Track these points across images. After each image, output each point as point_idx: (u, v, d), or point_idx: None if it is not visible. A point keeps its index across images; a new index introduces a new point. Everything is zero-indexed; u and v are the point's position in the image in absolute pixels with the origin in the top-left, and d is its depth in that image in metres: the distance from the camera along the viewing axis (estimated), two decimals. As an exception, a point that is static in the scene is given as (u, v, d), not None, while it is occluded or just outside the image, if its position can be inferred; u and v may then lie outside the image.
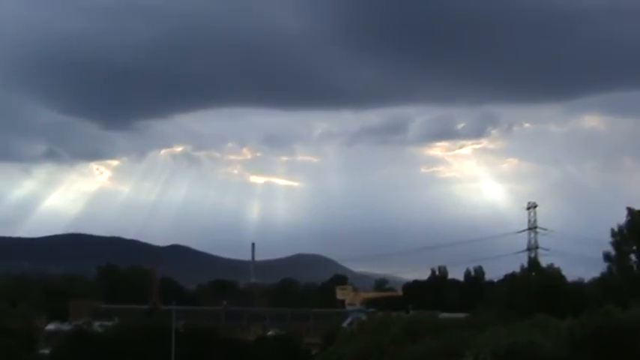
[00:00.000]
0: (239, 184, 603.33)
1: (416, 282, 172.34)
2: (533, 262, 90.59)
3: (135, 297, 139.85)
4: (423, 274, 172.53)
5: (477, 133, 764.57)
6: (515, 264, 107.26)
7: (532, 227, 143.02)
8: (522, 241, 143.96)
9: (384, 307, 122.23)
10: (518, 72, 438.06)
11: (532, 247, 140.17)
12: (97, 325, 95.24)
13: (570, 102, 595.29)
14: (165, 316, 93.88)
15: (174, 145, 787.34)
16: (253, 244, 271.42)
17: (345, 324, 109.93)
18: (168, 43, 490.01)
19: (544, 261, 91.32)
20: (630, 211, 64.67)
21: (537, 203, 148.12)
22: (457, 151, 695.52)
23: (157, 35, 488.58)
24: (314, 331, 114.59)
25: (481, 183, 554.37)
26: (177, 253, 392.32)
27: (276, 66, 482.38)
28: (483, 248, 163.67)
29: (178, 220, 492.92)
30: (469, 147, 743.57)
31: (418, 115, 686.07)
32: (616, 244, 64.42)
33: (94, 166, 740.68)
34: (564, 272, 67.99)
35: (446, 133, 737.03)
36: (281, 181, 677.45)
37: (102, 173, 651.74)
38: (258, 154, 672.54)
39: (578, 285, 71.00)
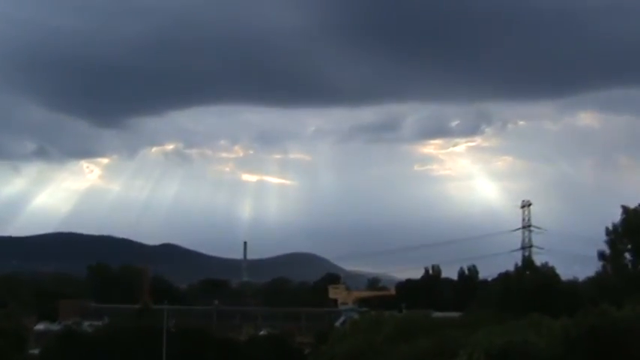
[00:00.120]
0: (231, 183, 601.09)
1: (409, 281, 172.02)
2: (528, 261, 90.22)
3: (125, 296, 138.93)
4: (417, 273, 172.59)
5: (471, 130, 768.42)
6: (510, 263, 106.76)
7: (526, 226, 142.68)
8: (516, 240, 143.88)
9: (377, 306, 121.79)
10: (513, 69, 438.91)
11: (526, 246, 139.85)
12: (86, 325, 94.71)
13: (565, 99, 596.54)
14: (156, 315, 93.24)
15: (165, 143, 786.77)
16: (245, 243, 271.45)
17: (337, 323, 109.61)
18: (160, 40, 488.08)
19: (538, 260, 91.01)
20: (625, 209, 64.36)
21: (531, 201, 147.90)
22: (451, 149, 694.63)
23: (148, 32, 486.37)
24: (306, 331, 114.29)
25: (475, 181, 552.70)
26: (169, 252, 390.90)
27: (268, 63, 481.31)
28: (477, 247, 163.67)
29: (170, 219, 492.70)
30: (463, 145, 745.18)
31: (412, 113, 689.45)
32: (611, 243, 64.13)
33: (85, 164, 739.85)
34: (558, 271, 67.70)
35: (440, 131, 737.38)
36: (273, 180, 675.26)
37: (92, 171, 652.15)
38: (251, 152, 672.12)
39: (573, 284, 70.78)
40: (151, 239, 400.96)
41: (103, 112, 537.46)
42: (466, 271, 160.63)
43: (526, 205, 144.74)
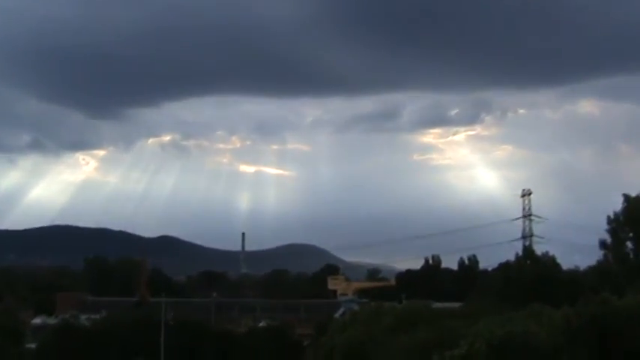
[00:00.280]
0: (229, 174, 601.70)
1: (409, 271, 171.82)
2: (528, 250, 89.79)
3: (123, 289, 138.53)
4: (417, 264, 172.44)
5: (470, 119, 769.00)
6: (510, 252, 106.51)
7: (527, 215, 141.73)
8: (517, 229, 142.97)
9: (377, 297, 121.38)
10: (513, 57, 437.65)
11: (527, 235, 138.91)
12: (84, 319, 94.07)
13: (565, 87, 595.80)
14: (154, 308, 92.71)
15: (162, 134, 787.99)
16: (243, 234, 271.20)
17: (337, 314, 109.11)
18: (156, 30, 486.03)
19: (539, 249, 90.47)
20: (626, 197, 63.91)
21: (532, 190, 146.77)
22: (450, 138, 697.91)
23: (144, 22, 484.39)
24: (306, 322, 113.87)
25: (475, 170, 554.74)
26: (166, 244, 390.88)
27: (266, 53, 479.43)
28: (477, 236, 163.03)
29: (167, 211, 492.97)
30: (463, 134, 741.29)
31: (411, 102, 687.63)
32: (612, 232, 63.71)
33: (81, 156, 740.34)
34: (559, 260, 67.40)
35: (439, 120, 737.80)
36: (271, 170, 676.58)
37: (88, 163, 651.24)
38: (248, 143, 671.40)
39: (574, 273, 70.38)
40: (149, 231, 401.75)
41: (98, 104, 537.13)
42: (466, 261, 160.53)
43: (526, 194, 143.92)
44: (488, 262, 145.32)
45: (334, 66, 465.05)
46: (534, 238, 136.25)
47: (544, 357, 34.45)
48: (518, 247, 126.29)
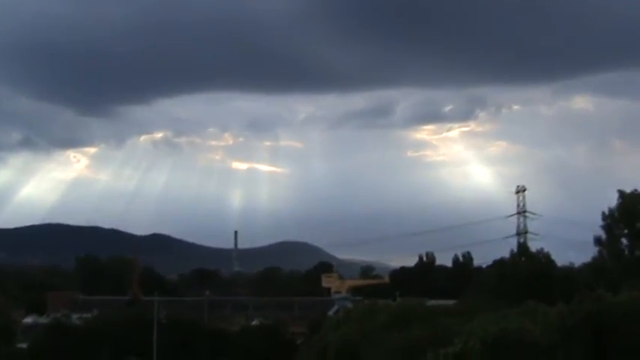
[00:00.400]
0: (221, 171, 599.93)
1: (403, 268, 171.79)
2: (523, 247, 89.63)
3: (115, 288, 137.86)
4: (411, 261, 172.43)
5: (464, 115, 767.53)
6: (505, 249, 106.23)
7: (521, 211, 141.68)
8: (511, 226, 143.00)
9: (371, 294, 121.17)
10: (507, 53, 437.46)
11: (521, 232, 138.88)
12: (75, 318, 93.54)
13: (560, 83, 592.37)
14: (146, 307, 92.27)
15: (154, 131, 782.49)
16: (236, 232, 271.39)
17: (330, 312, 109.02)
18: (147, 26, 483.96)
19: (533, 246, 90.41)
20: (621, 193, 63.60)
21: (526, 187, 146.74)
22: (444, 135, 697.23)
23: (135, 17, 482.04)
24: (299, 320, 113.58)
25: (469, 167, 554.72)
26: (158, 242, 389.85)
27: (258, 49, 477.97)
28: (472, 233, 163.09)
29: (159, 209, 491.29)
30: (457, 130, 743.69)
31: (404, 98, 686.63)
32: (607, 228, 63.38)
33: (71, 153, 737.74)
34: (554, 257, 67.14)
35: (433, 116, 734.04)
36: (264, 167, 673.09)
37: (79, 161, 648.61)
38: (241, 140, 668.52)
39: (569, 270, 70.18)
40: (141, 229, 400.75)
41: (89, 101, 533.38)
42: (460, 258, 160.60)
43: (521, 190, 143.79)
44: (482, 259, 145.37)
45: (327, 62, 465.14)
46: (529, 235, 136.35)
47: (539, 354, 34.19)
48: (513, 244, 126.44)
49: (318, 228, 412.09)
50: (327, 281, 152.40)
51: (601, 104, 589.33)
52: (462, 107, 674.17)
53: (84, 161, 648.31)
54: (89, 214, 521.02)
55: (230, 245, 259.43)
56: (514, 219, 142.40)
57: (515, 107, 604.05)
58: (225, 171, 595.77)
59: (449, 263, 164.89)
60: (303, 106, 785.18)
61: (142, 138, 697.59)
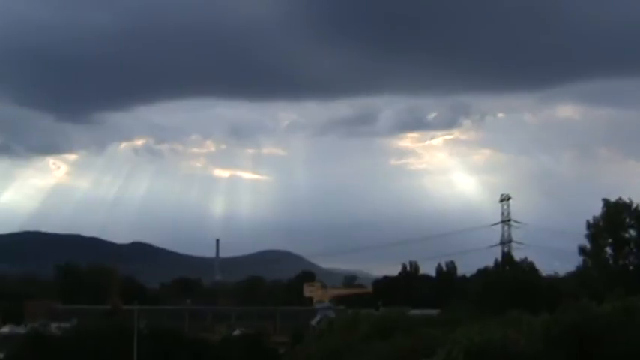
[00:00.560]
0: (203, 178, 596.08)
1: (386, 278, 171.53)
2: (507, 256, 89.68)
3: (95, 297, 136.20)
4: (394, 270, 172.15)
5: (448, 123, 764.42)
6: (489, 258, 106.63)
7: (505, 220, 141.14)
8: (495, 235, 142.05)
9: (354, 303, 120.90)
10: (491, 60, 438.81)
11: (505, 241, 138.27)
12: (54, 327, 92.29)
13: (545, 91, 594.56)
14: (126, 316, 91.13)
15: (135, 138, 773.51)
16: (218, 241, 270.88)
17: (313, 322, 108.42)
18: (129, 32, 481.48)
19: (518, 255, 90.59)
20: (606, 202, 63.72)
21: (511, 195, 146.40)
22: (428, 143, 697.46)
23: (116, 24, 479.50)
24: (281, 330, 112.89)
25: (453, 175, 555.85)
26: (139, 250, 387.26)
27: (241, 56, 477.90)
28: (455, 242, 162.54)
29: (140, 217, 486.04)
30: (440, 138, 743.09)
31: (388, 106, 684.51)
32: (591, 237, 63.41)
33: (51, 160, 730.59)
34: (538, 266, 67.26)
35: (416, 124, 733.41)
36: (246, 175, 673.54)
37: (59, 168, 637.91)
38: (223, 147, 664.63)
39: (553, 279, 70.19)
40: (121, 238, 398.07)
41: (69, 107, 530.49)
42: (444, 267, 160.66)
43: (505, 199, 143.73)
44: (466, 268, 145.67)
45: (310, 69, 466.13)
46: (513, 244, 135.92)
47: (523, 364, 33.92)
48: (497, 253, 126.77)
49: (300, 237, 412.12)
50: (309, 290, 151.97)
51: (586, 112, 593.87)
52: (445, 115, 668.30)
53: (64, 168, 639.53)
54: (69, 221, 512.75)
55: (212, 254, 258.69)
56: (498, 228, 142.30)
57: (500, 115, 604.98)
58: (207, 179, 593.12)
59: (432, 272, 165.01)
60: (286, 113, 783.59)
61: (123, 145, 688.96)
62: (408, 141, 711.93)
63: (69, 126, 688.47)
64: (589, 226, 63.43)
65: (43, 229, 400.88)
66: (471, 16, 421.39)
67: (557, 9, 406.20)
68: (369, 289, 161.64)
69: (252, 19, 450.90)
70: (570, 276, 69.85)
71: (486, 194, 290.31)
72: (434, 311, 71.34)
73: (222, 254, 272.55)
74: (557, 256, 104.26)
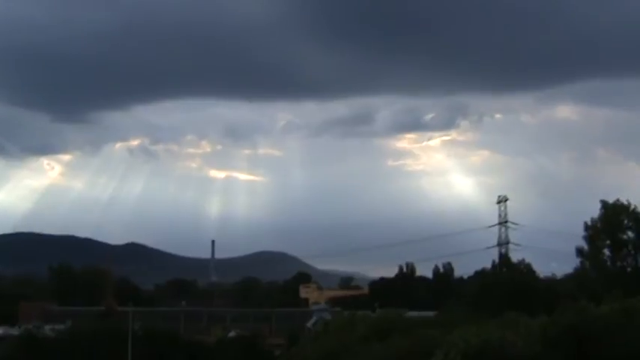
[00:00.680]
0: (198, 179, 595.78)
1: (383, 279, 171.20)
2: (504, 258, 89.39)
3: (89, 299, 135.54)
4: (390, 271, 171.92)
5: (446, 124, 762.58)
6: (486, 260, 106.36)
7: (503, 222, 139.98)
8: (493, 236, 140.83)
9: (350, 305, 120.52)
10: (489, 61, 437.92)
11: (503, 243, 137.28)
12: (48, 329, 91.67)
13: (543, 92, 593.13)
14: (121, 318, 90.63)
15: (130, 139, 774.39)
16: (213, 242, 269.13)
17: (309, 324, 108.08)
18: (124, 32, 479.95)
19: (515, 256, 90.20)
20: (604, 204, 63.55)
21: (508, 197, 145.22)
22: (425, 143, 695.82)
23: (113, 23, 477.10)
24: (277, 332, 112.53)
25: (450, 176, 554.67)
26: (134, 251, 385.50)
27: (237, 56, 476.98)
28: (452, 244, 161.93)
29: (135, 218, 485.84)
30: (438, 139, 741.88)
31: (385, 106, 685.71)
32: (589, 239, 63.21)
33: (45, 160, 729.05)
34: (536, 268, 67.16)
35: (414, 125, 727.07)
36: (242, 176, 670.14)
37: (53, 168, 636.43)
38: (219, 147, 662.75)
39: (551, 281, 70.06)
40: (116, 239, 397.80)
41: (64, 107, 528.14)
42: (441, 269, 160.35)
43: (502, 200, 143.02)
44: (463, 269, 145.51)
45: (307, 69, 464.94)
46: (510, 246, 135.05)
47: (520, 366, 33.69)
48: (495, 255, 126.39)
49: (296, 238, 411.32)
50: (305, 292, 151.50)
51: (584, 113, 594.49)
52: (443, 116, 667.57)
53: (58, 168, 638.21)
54: (63, 222, 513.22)
55: (207, 255, 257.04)
56: (495, 229, 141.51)
57: (498, 116, 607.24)
58: (203, 179, 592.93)
59: (429, 274, 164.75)
60: (282, 113, 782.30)
61: (118, 145, 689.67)
62: (405, 142, 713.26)
63: (63, 126, 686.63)
64: (587, 227, 63.30)
65: (37, 230, 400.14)
66: (469, 16, 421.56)
67: (556, 9, 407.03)
68: (366, 290, 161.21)
69: (249, 19, 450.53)
70: (568, 278, 69.73)
71: (484, 195, 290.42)
72: (431, 313, 71.10)
73: (218, 255, 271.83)
74: (554, 257, 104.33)
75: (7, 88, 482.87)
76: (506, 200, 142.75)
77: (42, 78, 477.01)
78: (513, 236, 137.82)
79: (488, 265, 73.31)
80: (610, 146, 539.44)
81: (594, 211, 63.19)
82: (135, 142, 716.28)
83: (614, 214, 61.94)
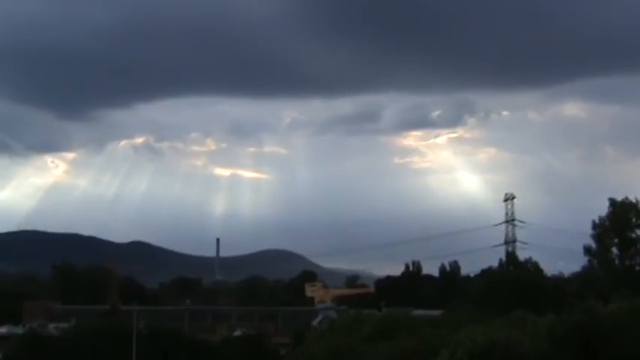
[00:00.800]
0: (203, 177, 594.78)
1: (389, 278, 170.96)
2: (511, 256, 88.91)
3: (93, 297, 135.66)
4: (397, 270, 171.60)
5: (452, 121, 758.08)
6: (493, 258, 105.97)
7: (509, 220, 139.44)
8: (499, 235, 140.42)
9: (356, 304, 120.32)
10: (496, 58, 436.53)
11: (509, 241, 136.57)
12: (52, 328, 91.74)
13: (550, 89, 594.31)
14: (125, 316, 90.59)
15: (134, 136, 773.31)
16: (218, 240, 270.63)
17: (314, 322, 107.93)
18: (129, 29, 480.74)
19: (522, 255, 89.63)
20: (612, 202, 63.04)
21: (515, 195, 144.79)
22: (432, 141, 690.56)
23: (116, 21, 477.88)
24: (282, 331, 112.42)
25: (457, 174, 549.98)
26: (139, 250, 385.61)
27: (242, 53, 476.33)
28: (459, 242, 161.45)
29: (139, 216, 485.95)
30: (444, 136, 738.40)
31: (391, 103, 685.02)
32: (597, 237, 62.72)
33: (49, 158, 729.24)
34: (543, 266, 66.74)
35: (420, 122, 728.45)
36: (247, 173, 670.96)
37: (57, 166, 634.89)
38: (224, 145, 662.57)
39: (558, 279, 69.64)
40: (120, 237, 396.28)
41: (68, 104, 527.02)
42: (447, 267, 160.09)
43: (509, 198, 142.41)
44: (470, 268, 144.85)
45: (313, 66, 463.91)
46: (517, 244, 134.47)
47: (528, 365, 33.37)
48: (501, 253, 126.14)
49: (302, 236, 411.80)
50: (311, 290, 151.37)
51: (592, 110, 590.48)
52: (450, 113, 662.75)
53: (62, 166, 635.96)
54: (67, 220, 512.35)
55: (212, 253, 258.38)
56: (502, 227, 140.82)
57: (505, 113, 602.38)
58: (208, 177, 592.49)
59: (436, 272, 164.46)
60: (287, 111, 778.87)
61: (123, 143, 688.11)
62: (411, 139, 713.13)
63: (68, 124, 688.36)
64: (595, 225, 62.84)
65: (41, 228, 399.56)
66: (476, 13, 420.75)
67: (563, 5, 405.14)
68: (372, 289, 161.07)
69: (254, 15, 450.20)
70: (575, 276, 69.27)
71: (490, 193, 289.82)
72: (437, 312, 70.84)
73: (223, 254, 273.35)
74: (562, 256, 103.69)
75: (12, 86, 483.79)
76: (513, 198, 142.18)
77: (47, 76, 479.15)
78: (520, 234, 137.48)
79: (495, 264, 73.21)
80: (618, 144, 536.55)
81: (602, 209, 62.81)
82: (139, 140, 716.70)
83: (622, 212, 61.43)
